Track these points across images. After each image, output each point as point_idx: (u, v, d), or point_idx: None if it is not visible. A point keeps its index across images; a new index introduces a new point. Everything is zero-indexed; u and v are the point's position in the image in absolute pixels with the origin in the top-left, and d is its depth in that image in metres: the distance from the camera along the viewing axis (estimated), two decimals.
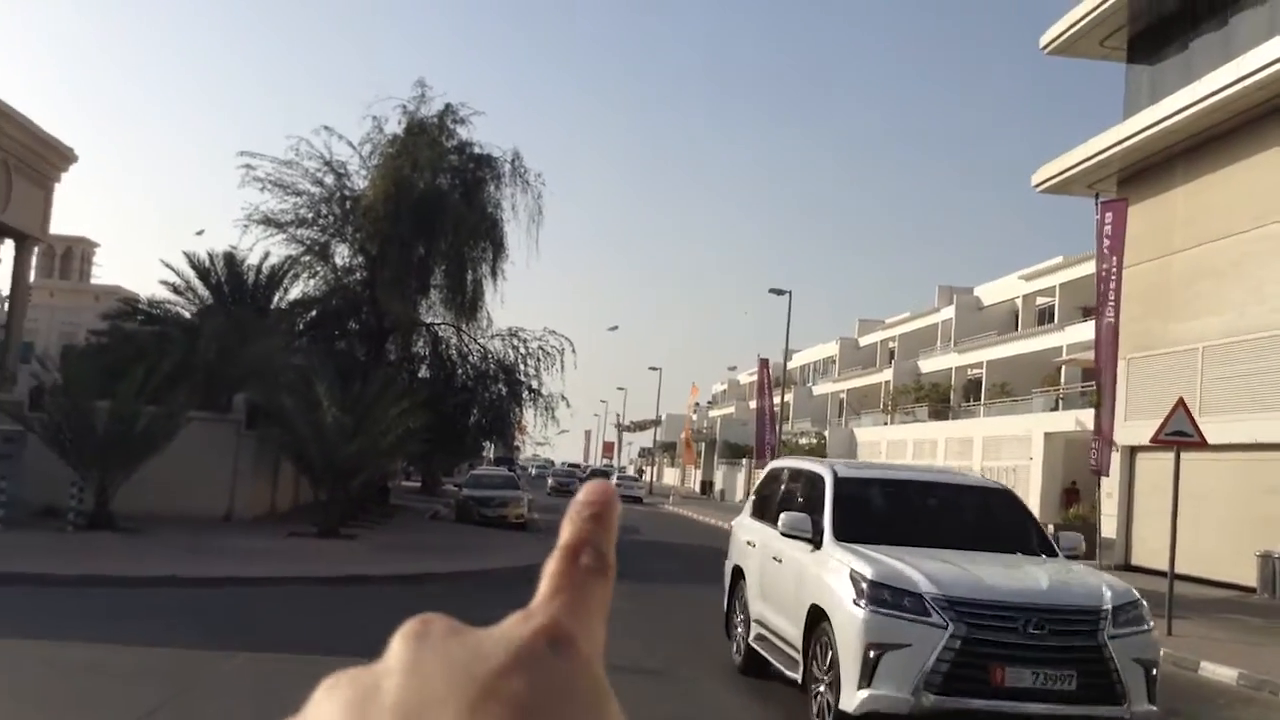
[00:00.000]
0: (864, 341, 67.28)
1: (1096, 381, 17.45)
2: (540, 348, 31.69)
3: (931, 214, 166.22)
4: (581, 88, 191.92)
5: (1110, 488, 28.38)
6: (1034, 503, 37.01)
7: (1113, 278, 17.36)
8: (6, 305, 31.08)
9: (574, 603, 0.50)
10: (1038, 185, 31.57)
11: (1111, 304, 17.44)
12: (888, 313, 67.29)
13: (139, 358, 20.42)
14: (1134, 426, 21.73)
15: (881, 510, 9.57)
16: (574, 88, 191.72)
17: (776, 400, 46.76)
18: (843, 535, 8.60)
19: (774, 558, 9.80)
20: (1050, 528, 30.33)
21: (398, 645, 0.47)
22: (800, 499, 9.92)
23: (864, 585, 7.72)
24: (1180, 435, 14.15)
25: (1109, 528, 28.50)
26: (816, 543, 8.69)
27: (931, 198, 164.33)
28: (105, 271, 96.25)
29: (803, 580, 8.82)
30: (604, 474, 77.26)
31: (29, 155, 29.03)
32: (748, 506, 12.03)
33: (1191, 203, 26.21)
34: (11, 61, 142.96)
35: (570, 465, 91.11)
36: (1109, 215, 17.55)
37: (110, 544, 16.93)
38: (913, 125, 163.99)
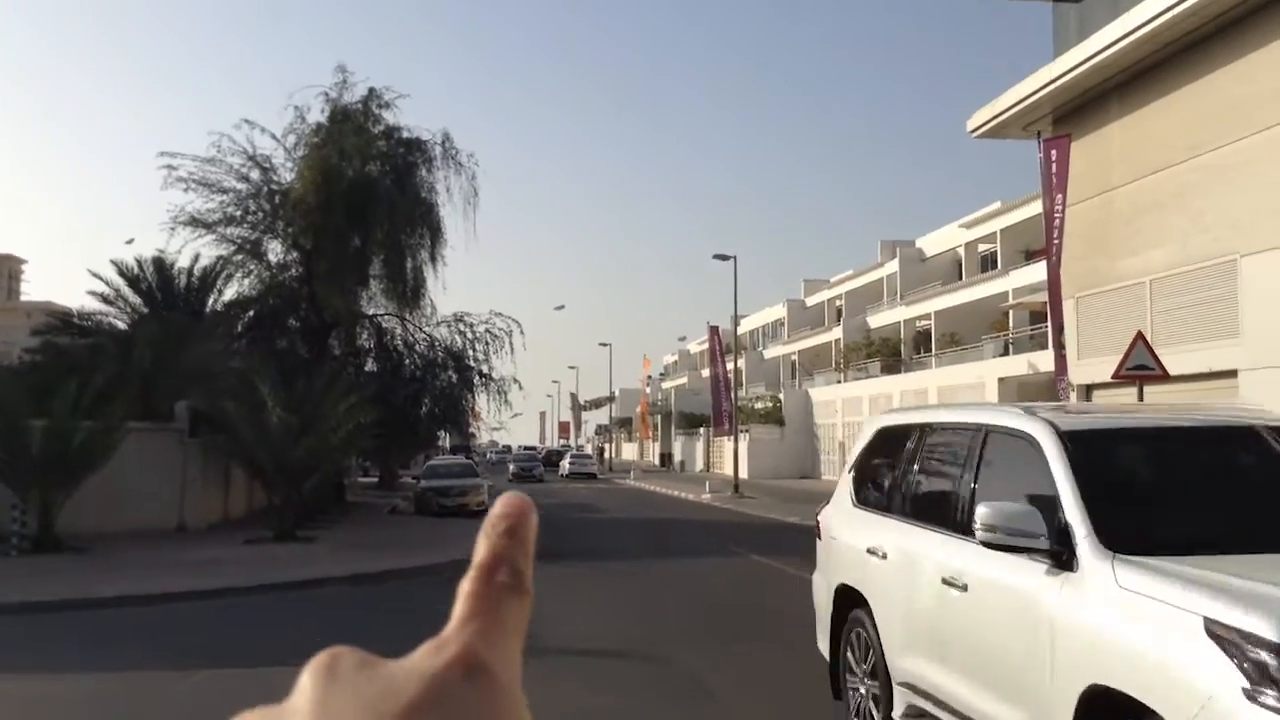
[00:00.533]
0: (811, 302, 67.36)
1: (1053, 321, 17.31)
2: (488, 331, 31.28)
3: (868, 171, 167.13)
4: (505, 68, 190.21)
5: None
6: None
7: (1057, 215, 17.21)
8: None
9: (489, 627, 0.48)
10: (973, 130, 31.27)
11: (1056, 242, 17.29)
12: (832, 272, 67.46)
13: (71, 373, 19.73)
14: (1088, 365, 21.68)
15: (1166, 490, 5.67)
16: (496, 68, 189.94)
17: (730, 366, 46.56)
18: (1117, 543, 4.70)
19: (949, 581, 5.80)
20: None
21: (306, 682, 0.45)
22: (967, 477, 6.07)
23: (1268, 660, 3.71)
24: (1142, 369, 14.03)
25: None
26: (1063, 558, 4.84)
27: (866, 154, 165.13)
28: (35, 288, 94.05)
29: (1050, 633, 4.80)
30: (560, 454, 77.27)
31: None
32: (844, 486, 7.93)
33: (1128, 137, 26.19)
34: None
35: (529, 448, 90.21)
36: (1052, 152, 17.43)
37: (57, 566, 16.29)
38: (841, 84, 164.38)
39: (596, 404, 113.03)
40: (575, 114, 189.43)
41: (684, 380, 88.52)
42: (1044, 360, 34.63)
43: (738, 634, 11.27)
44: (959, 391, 40.62)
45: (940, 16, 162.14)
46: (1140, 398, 14.24)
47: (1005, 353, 39.92)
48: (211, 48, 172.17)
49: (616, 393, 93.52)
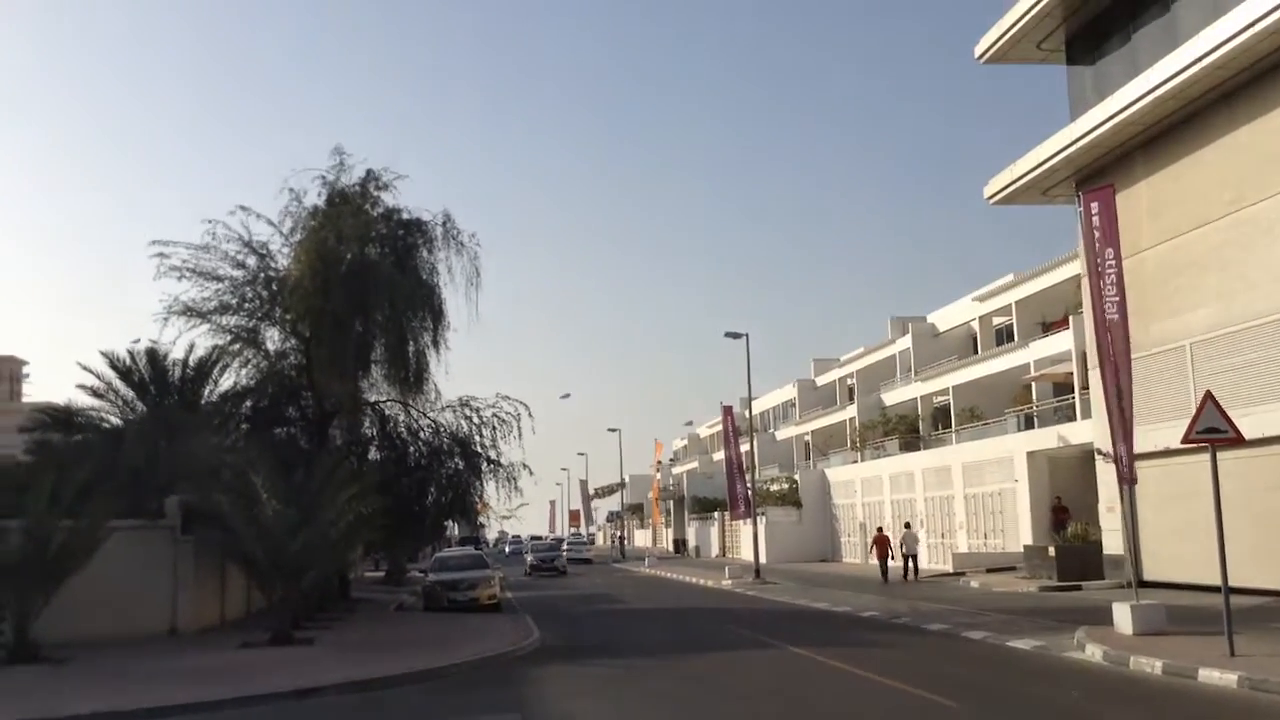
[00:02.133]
0: (821, 381, 66.47)
1: (1109, 386, 16.01)
2: (495, 415, 30.00)
3: (872, 248, 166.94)
4: (501, 152, 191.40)
5: (1110, 501, 27.06)
6: (1024, 526, 35.84)
7: (1111, 270, 16.05)
8: None
9: None
10: (990, 197, 30.60)
11: (1114, 299, 16.07)
12: (840, 350, 66.54)
13: (57, 470, 18.48)
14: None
15: None
16: (493, 152, 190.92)
17: (746, 448, 45.17)
18: None
19: None
20: (1050, 550, 29.22)
21: None
22: None
23: None
24: (1213, 432, 12.73)
25: (1112, 544, 27.14)
26: None
27: (871, 232, 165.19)
28: (38, 389, 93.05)
29: None
30: (581, 543, 75.86)
31: None
32: None
33: (1156, 196, 25.27)
34: None
35: (536, 538, 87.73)
36: (1095, 205, 16.30)
37: (30, 680, 14.86)
38: (840, 160, 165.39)
39: (607, 490, 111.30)
40: (572, 195, 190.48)
41: (695, 464, 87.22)
42: (1074, 432, 33.34)
43: None
44: (985, 468, 39.26)
45: (943, 87, 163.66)
46: (1214, 464, 12.93)
47: (1029, 426, 38.65)
48: (203, 137, 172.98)
49: (626, 479, 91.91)
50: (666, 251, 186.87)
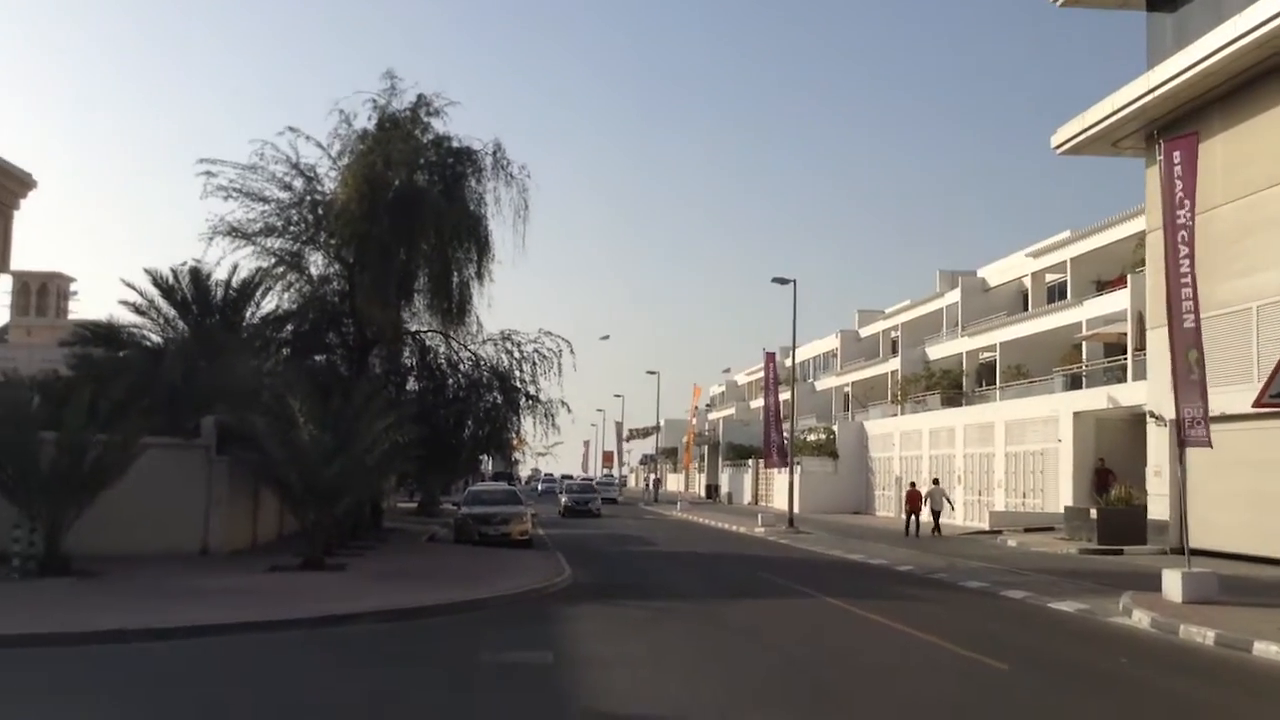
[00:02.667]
0: (865, 333, 65.79)
1: (1177, 346, 15.31)
2: (536, 351, 29.57)
3: (920, 202, 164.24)
4: (553, 87, 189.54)
5: (1158, 465, 26.38)
6: (1064, 486, 35.22)
7: (1186, 224, 15.26)
8: None
9: None
10: (1058, 147, 29.59)
11: (1187, 256, 15.31)
12: (884, 303, 65.66)
13: (88, 383, 18.33)
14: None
15: None
16: (550, 79, 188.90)
17: (784, 397, 44.64)
18: None
19: None
20: (1092, 512, 28.63)
21: None
22: None
23: None
24: None
25: (1156, 509, 26.52)
26: None
27: (919, 185, 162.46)
28: (84, 306, 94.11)
29: None
30: (612, 483, 76.24)
31: None
32: None
33: (1233, 151, 24.24)
34: None
35: (568, 478, 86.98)
36: (1176, 154, 15.45)
37: (58, 592, 14.80)
38: (891, 112, 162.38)
39: (642, 433, 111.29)
40: (621, 138, 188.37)
41: (731, 411, 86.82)
42: (1125, 394, 32.55)
43: (849, 694, 9.42)
44: (1028, 426, 38.58)
45: (1007, 32, 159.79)
46: None
47: (1075, 386, 37.87)
48: (256, 55, 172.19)
49: (662, 423, 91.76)
50: (716, 199, 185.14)
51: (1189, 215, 15.12)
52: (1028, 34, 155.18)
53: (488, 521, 27.67)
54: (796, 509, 39.05)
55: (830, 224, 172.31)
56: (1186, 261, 15.08)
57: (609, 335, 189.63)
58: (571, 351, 29.82)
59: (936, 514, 35.10)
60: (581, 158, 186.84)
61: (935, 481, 38.90)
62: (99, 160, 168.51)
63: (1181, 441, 15.57)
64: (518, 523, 27.84)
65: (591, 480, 79.33)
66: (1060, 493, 35.50)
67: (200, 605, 13.56)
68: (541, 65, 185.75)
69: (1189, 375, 14.92)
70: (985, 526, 36.96)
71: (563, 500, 53.28)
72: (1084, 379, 37.93)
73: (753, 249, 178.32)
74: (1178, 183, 15.07)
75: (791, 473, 39.85)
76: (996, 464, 40.46)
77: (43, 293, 51.62)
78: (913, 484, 38.87)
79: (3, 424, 16.41)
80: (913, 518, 34.87)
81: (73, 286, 64.28)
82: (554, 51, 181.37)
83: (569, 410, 30.76)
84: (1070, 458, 35.21)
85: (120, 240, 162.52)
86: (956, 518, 40.91)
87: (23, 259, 54.01)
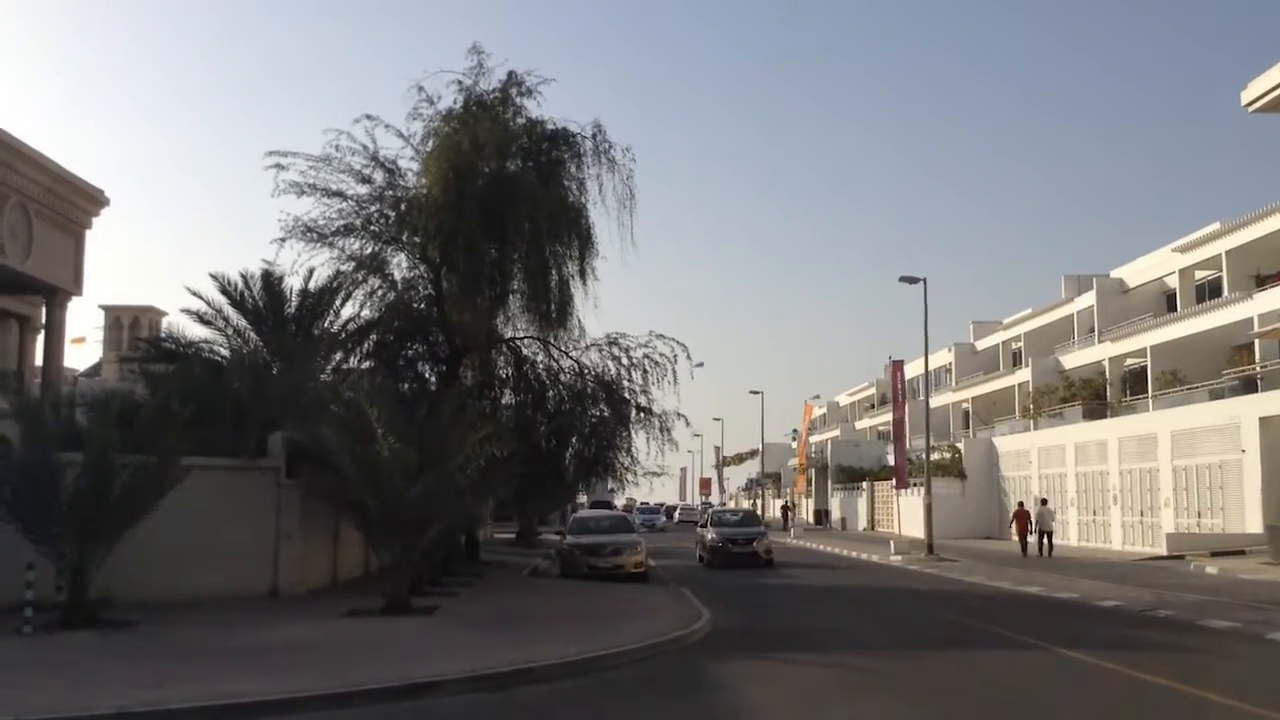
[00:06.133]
0: (981, 345, 61.54)
1: None
2: (646, 357, 26.17)
3: (1041, 210, 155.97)
4: (667, 63, 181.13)
5: None
6: (1251, 502, 30.67)
7: None
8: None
9: None
10: (1249, 104, 25.45)
11: None
12: (998, 314, 61.37)
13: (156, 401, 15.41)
14: None
15: None
16: (652, 64, 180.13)
17: (923, 398, 40.57)
18: None
19: None
20: None
21: None
22: None
23: None
24: None
25: None
26: None
27: (1042, 194, 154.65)
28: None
29: None
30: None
31: (52, 200, 24.71)
32: None
33: None
34: (36, 108, 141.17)
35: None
36: None
37: (69, 652, 11.59)
38: (1004, 121, 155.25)
39: (736, 459, 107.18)
40: (729, 145, 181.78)
41: (836, 433, 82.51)
42: None
43: None
44: (1198, 436, 33.99)
45: (1123, 24, 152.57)
46: None
47: (1251, 390, 33.28)
48: (328, 39, 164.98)
49: (762, 447, 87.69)
50: (812, 209, 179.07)
51: None
52: (1137, 26, 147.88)
53: (597, 552, 24.27)
54: (921, 534, 35.42)
55: (941, 237, 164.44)
56: None
57: (703, 363, 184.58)
58: (688, 357, 26.50)
59: (1047, 534, 33.89)
60: (684, 170, 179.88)
61: (1043, 502, 37.22)
62: (168, 177, 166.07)
63: None
64: (631, 553, 24.39)
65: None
66: (1246, 510, 30.94)
67: (243, 670, 10.30)
68: (645, 43, 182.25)
69: None
70: (1159, 550, 32.46)
71: (707, 538, 31.90)
72: (1259, 381, 33.38)
73: (851, 268, 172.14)
74: None
75: (930, 494, 35.73)
76: (1162, 479, 35.77)
77: (135, 326, 50.31)
78: (1020, 504, 37.79)
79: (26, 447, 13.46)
80: (1025, 539, 34.39)
81: (165, 321, 62.75)
82: (646, 41, 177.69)
83: (688, 423, 27.35)
84: (1258, 469, 30.61)
85: (199, 260, 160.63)
86: (1070, 538, 40.13)
87: (106, 290, 52.68)
